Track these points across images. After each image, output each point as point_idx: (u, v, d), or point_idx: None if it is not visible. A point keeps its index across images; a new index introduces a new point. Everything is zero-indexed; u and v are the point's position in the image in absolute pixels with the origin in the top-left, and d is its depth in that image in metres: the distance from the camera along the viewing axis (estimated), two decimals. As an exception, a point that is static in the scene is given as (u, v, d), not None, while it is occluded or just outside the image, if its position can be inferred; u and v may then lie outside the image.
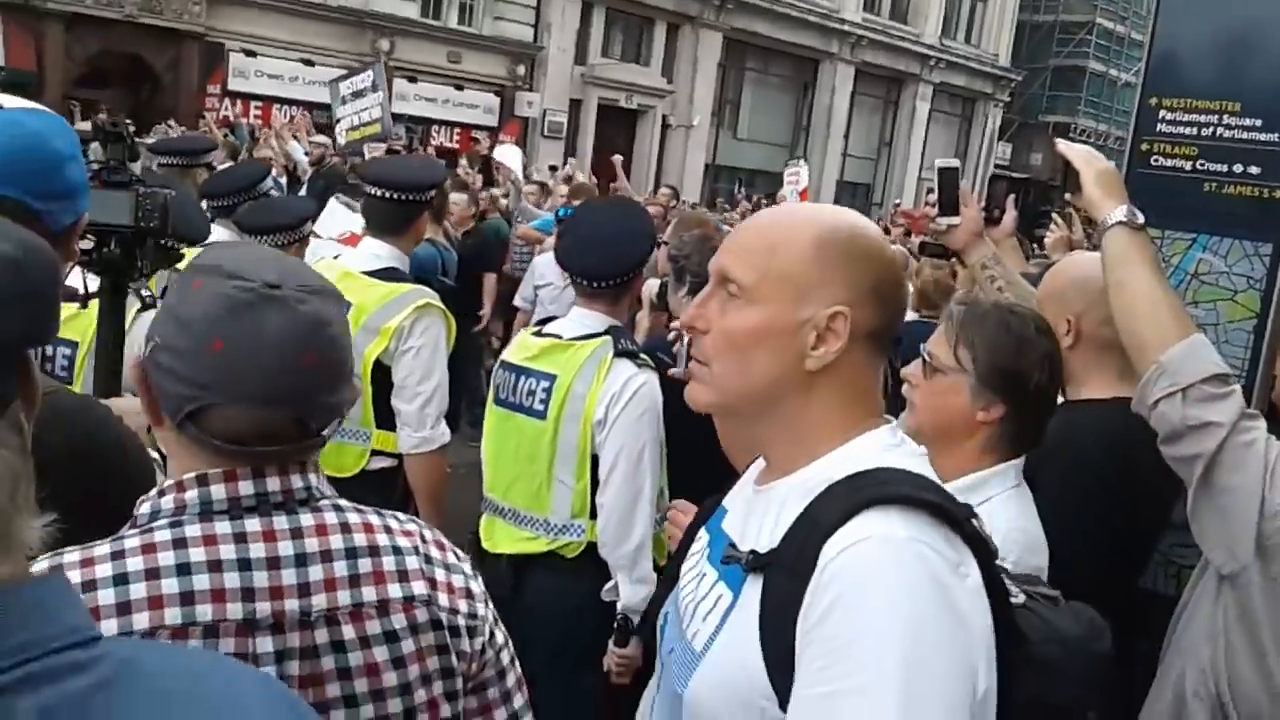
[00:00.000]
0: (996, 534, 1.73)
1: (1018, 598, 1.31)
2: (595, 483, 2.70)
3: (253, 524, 1.14)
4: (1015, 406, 1.87)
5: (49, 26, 17.48)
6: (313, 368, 1.14)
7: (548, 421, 2.71)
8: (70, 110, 13.69)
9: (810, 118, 30.28)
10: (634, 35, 25.87)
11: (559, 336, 2.80)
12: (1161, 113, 2.37)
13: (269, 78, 20.07)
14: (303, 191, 8.16)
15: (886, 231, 10.60)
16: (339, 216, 5.49)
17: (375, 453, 3.08)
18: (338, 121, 10.03)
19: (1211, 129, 2.31)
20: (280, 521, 1.16)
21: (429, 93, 22.33)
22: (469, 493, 3.15)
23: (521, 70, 23.34)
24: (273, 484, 1.16)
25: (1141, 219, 1.96)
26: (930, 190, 2.43)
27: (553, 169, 15.22)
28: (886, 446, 1.25)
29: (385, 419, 3.04)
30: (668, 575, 1.51)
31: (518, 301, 7.07)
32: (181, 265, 1.94)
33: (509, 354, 2.90)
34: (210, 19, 19.00)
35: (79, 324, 2.29)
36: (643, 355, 2.79)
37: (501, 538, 2.84)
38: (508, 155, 9.54)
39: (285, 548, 1.15)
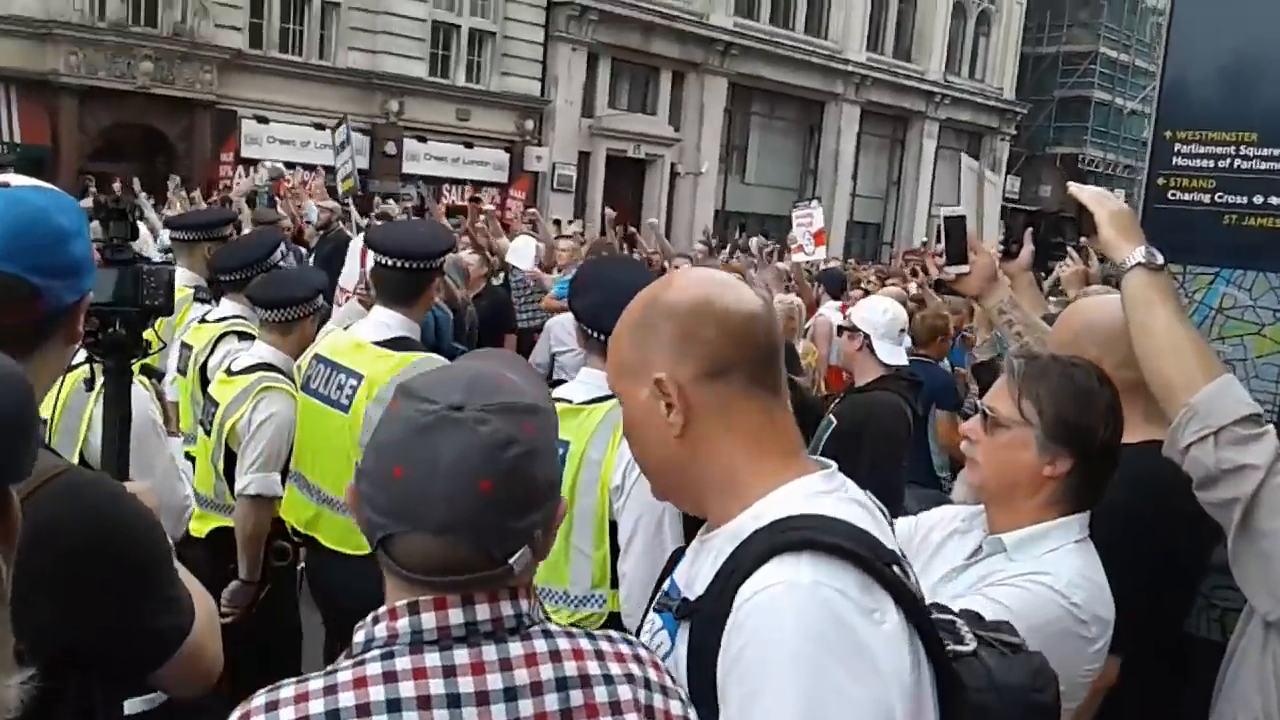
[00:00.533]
0: (1060, 579, 1.75)
1: (967, 645, 1.35)
2: (615, 550, 2.63)
3: (461, 655, 1.11)
4: (1082, 460, 1.84)
5: (63, 101, 17.76)
6: (492, 494, 1.09)
7: (564, 491, 2.64)
8: (85, 185, 13.88)
9: (818, 160, 30.41)
10: (640, 85, 26.10)
11: (569, 400, 2.73)
12: (1177, 146, 2.33)
13: (281, 143, 20.31)
14: (310, 258, 8.19)
15: (889, 277, 10.49)
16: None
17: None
18: (334, 171, 10.26)
19: (1229, 160, 2.27)
20: (489, 652, 1.12)
21: (439, 151, 22.56)
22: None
23: (530, 125, 23.56)
24: (482, 612, 1.12)
25: (1160, 259, 1.91)
26: (937, 239, 2.40)
27: (557, 223, 15.24)
28: (814, 493, 1.27)
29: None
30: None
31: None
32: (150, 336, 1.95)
33: None
34: (222, 87, 19.27)
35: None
36: None
37: (522, 611, 2.75)
38: (519, 253, 9.03)
39: (494, 681, 1.10)
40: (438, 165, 22.57)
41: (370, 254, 3.18)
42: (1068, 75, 36.71)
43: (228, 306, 3.98)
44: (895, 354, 4.34)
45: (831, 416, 4.33)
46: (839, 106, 29.85)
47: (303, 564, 3.54)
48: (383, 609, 1.13)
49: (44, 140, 17.70)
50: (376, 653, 1.10)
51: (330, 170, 11.92)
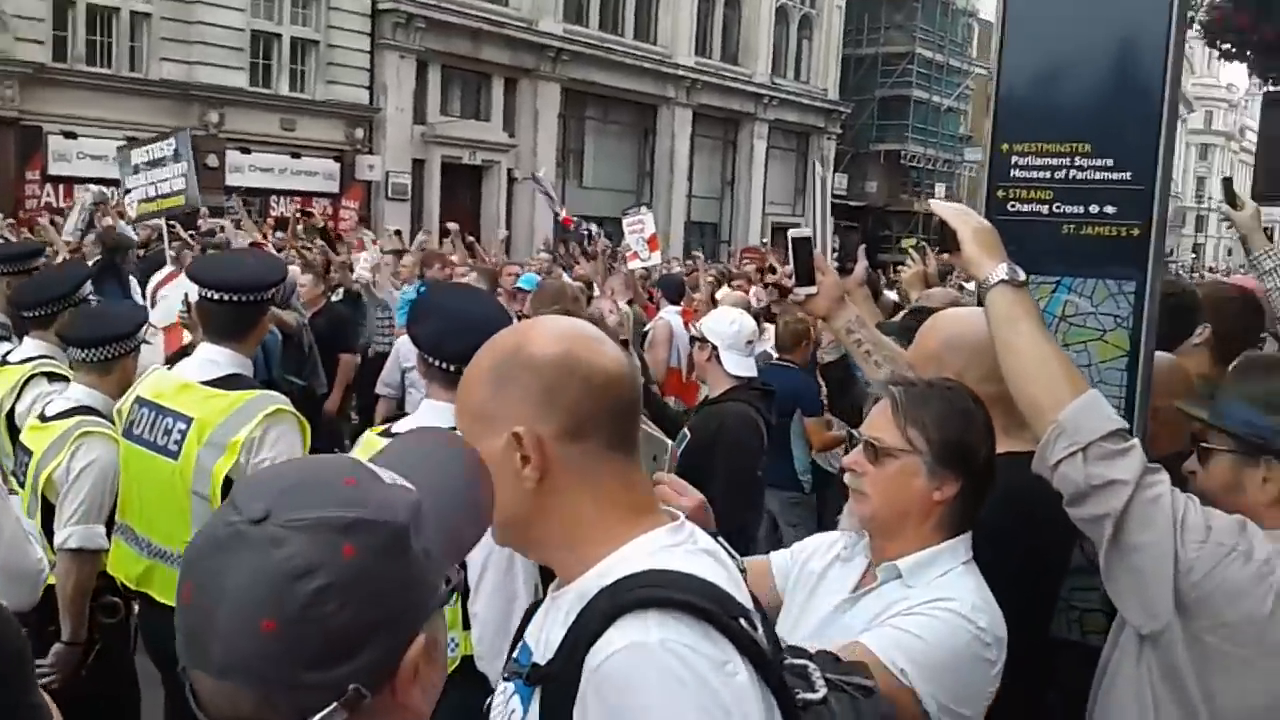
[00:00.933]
0: (965, 604, 1.75)
1: (818, 692, 1.34)
2: (466, 590, 2.52)
3: None
4: (968, 481, 1.86)
5: None
6: (276, 637, 0.85)
7: None
8: None
9: (653, 162, 30.70)
10: (472, 91, 25.78)
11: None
12: (1014, 159, 2.37)
13: (92, 159, 19.09)
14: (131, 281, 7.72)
15: (733, 279, 10.65)
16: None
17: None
18: (127, 192, 9.25)
19: (1065, 170, 2.32)
20: None
21: (264, 163, 21.73)
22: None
23: (360, 133, 22.96)
24: None
25: (1023, 275, 1.93)
26: (785, 261, 2.39)
27: (398, 233, 14.88)
28: (661, 547, 1.26)
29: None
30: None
31: (380, 389, 6.43)
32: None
33: (356, 456, 2.68)
34: (25, 102, 18.07)
35: None
36: None
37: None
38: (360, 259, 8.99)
39: None
40: (263, 176, 21.72)
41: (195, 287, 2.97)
42: (887, 75, 38.15)
43: (31, 346, 3.66)
44: (743, 365, 4.36)
45: (686, 429, 4.33)
46: (671, 110, 30.20)
47: (136, 620, 3.30)
48: None
49: None
50: None
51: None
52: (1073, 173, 2.31)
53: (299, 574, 0.85)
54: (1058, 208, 2.33)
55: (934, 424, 1.84)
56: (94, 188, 11.74)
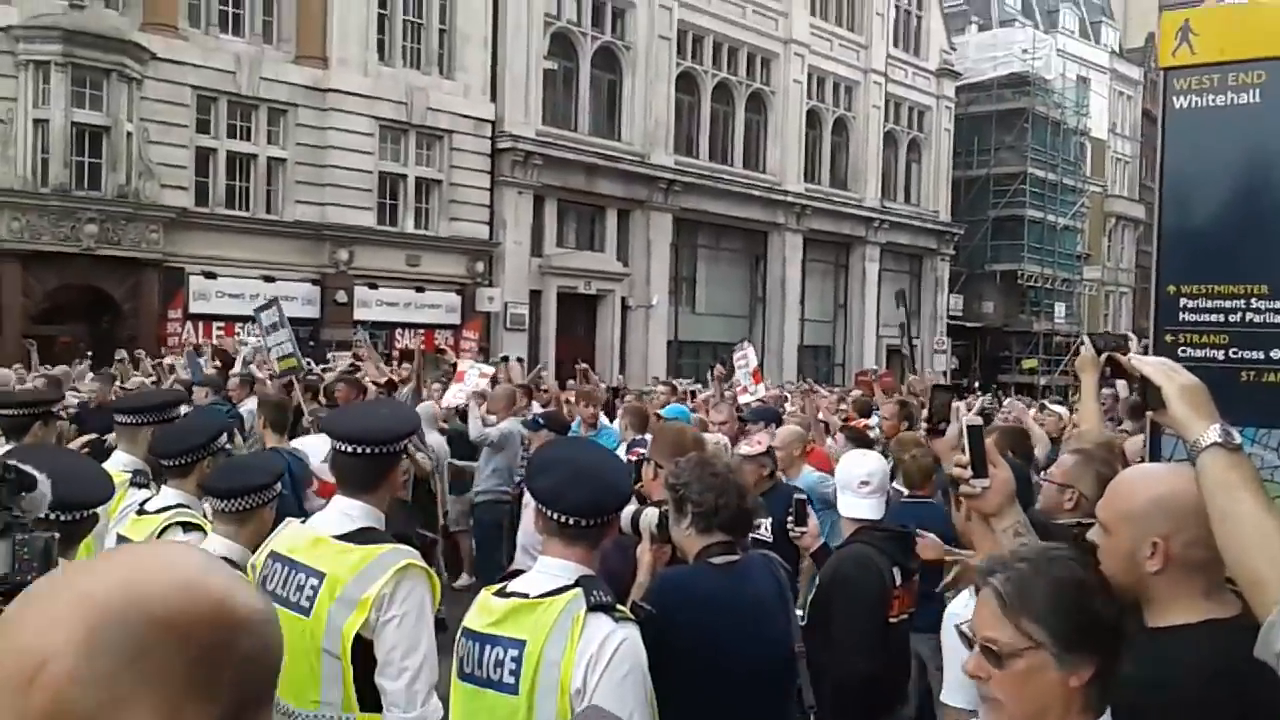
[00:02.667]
0: None
1: None
2: (584, 758, 2.39)
3: None
4: (1103, 657, 1.69)
5: (5, 266, 17.47)
6: None
7: (520, 696, 2.39)
8: (27, 350, 13.55)
9: (765, 287, 30.87)
10: (586, 223, 26.45)
11: (525, 595, 2.52)
12: (1182, 300, 2.23)
13: (230, 297, 20.11)
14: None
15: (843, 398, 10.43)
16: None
17: (361, 739, 2.75)
18: (269, 351, 9.93)
19: (1240, 314, 2.16)
20: None
21: (390, 297, 22.51)
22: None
23: (480, 266, 23.67)
24: None
25: (1238, 438, 1.77)
26: (961, 448, 2.23)
27: (504, 359, 15.05)
28: None
29: (369, 701, 2.72)
30: None
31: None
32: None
33: (469, 620, 2.58)
34: (169, 245, 19.15)
35: None
36: (619, 607, 2.51)
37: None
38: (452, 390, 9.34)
39: None
40: (389, 310, 22.49)
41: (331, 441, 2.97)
42: (999, 196, 37.94)
43: (169, 495, 3.71)
44: (859, 507, 4.20)
45: (815, 577, 4.17)
46: (782, 235, 30.46)
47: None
48: None
49: (-15, 305, 17.37)
50: None
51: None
52: (1249, 315, 2.15)
53: None
54: (1234, 353, 2.17)
55: (1049, 609, 1.66)
56: (251, 340, 12.44)
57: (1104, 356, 3.53)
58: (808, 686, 3.14)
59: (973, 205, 37.72)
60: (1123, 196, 46.80)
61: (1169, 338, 2.24)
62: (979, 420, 2.28)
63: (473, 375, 9.90)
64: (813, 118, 31.63)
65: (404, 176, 22.70)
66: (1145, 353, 2.30)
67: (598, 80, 26.35)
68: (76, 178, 17.97)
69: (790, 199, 30.15)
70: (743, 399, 10.97)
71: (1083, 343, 3.61)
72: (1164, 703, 1.83)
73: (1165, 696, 1.83)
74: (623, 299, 26.46)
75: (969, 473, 2.21)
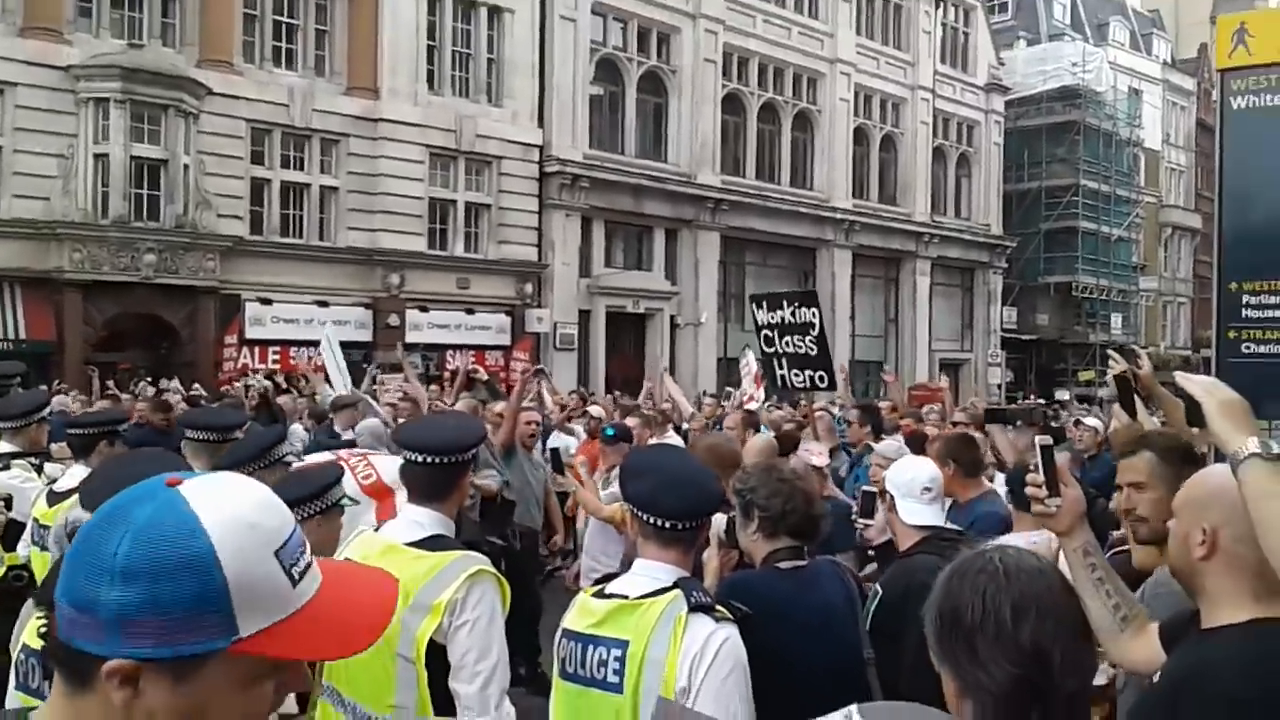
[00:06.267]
0: None
1: None
2: (687, 757, 2.43)
3: None
4: None
5: (67, 296, 17.95)
6: None
7: (625, 695, 2.45)
8: (89, 375, 13.89)
9: (815, 303, 30.73)
10: (634, 243, 26.59)
11: (624, 596, 2.58)
12: (1245, 297, 2.24)
13: (285, 322, 20.51)
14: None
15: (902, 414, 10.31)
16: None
17: (435, 742, 2.81)
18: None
19: (1305, 308, 2.17)
20: None
21: (441, 319, 22.77)
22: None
23: (529, 288, 23.87)
24: None
25: (1276, 449, 1.80)
26: (1034, 468, 2.26)
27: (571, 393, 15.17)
28: None
29: (443, 704, 2.78)
30: None
31: None
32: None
33: (570, 621, 2.67)
34: (225, 273, 19.56)
35: None
36: (719, 608, 2.56)
37: (588, 830, 2.53)
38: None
39: None
40: (440, 333, 22.74)
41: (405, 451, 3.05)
42: (1051, 208, 37.56)
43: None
44: (921, 514, 4.17)
45: (878, 586, 4.14)
46: (830, 251, 30.37)
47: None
48: None
49: (49, 335, 17.82)
50: None
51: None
52: (1315, 310, 2.16)
53: None
54: (1300, 348, 2.18)
55: None
56: (372, 369, 13.07)
57: (1116, 379, 3.55)
58: (879, 696, 3.15)
59: (1024, 218, 37.37)
60: (1178, 206, 46.09)
61: (1231, 334, 2.26)
62: (1049, 440, 2.31)
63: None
64: (860, 135, 31.57)
65: (453, 202, 23.00)
66: (1186, 364, 2.31)
67: (644, 104, 26.54)
68: (135, 209, 18.43)
69: (839, 215, 30.08)
70: (749, 407, 10.81)
71: (1111, 358, 3.61)
72: (1203, 698, 1.85)
73: (1205, 692, 1.85)
74: (671, 317, 26.54)
75: (1044, 492, 2.24)
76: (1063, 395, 26.02)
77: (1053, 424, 11.51)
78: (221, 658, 1.09)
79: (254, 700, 1.15)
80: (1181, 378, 2.01)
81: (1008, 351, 36.21)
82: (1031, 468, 2.27)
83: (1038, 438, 2.34)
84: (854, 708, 0.83)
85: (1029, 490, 2.28)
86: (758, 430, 7.90)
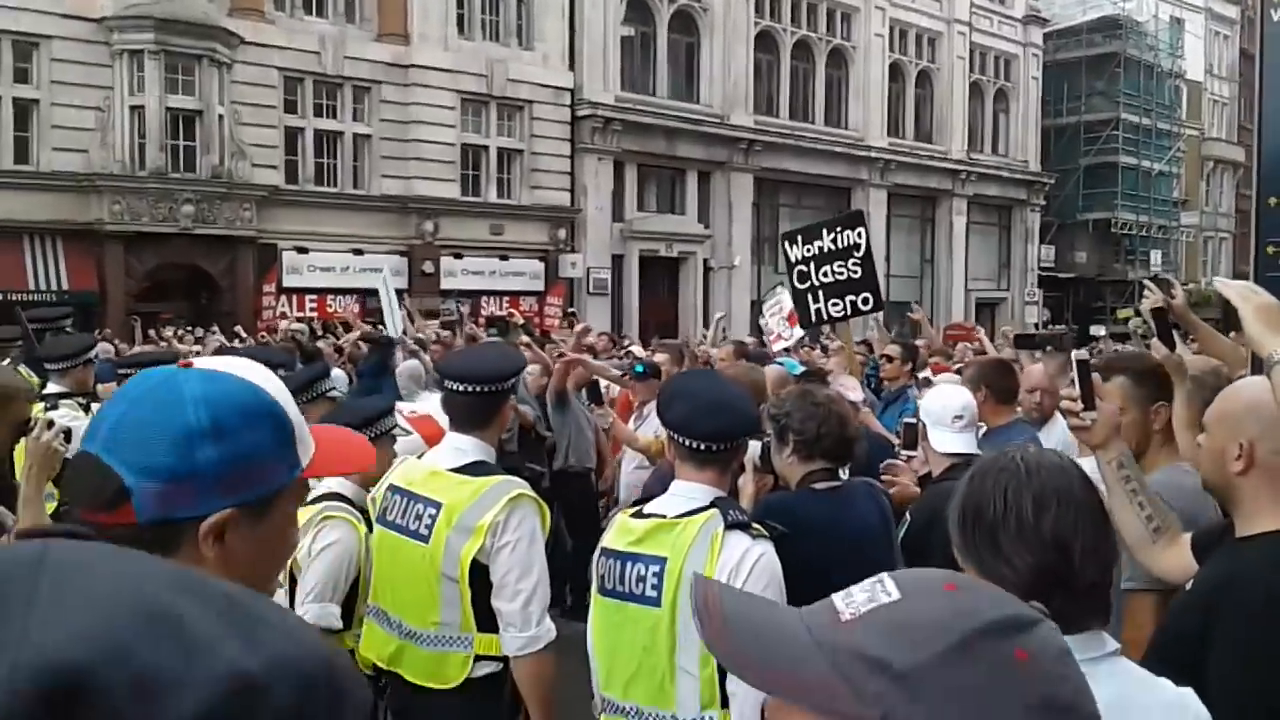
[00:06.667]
0: None
1: None
2: (723, 670, 2.50)
3: None
4: None
5: (108, 247, 18.23)
6: None
7: (663, 608, 2.53)
8: (131, 325, 14.13)
9: (850, 244, 30.47)
10: (667, 187, 26.47)
11: (662, 515, 2.65)
12: (1282, 211, 2.23)
13: (321, 271, 20.71)
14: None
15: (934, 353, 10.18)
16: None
17: (479, 658, 2.91)
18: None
19: (1342, 222, 2.16)
20: None
21: (475, 266, 22.87)
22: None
23: (562, 233, 23.88)
24: None
25: None
26: (1070, 383, 2.29)
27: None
28: None
29: (486, 621, 2.87)
30: None
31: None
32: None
33: (609, 540, 2.75)
34: (262, 222, 19.73)
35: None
36: (755, 525, 2.63)
37: (627, 740, 2.63)
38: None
39: None
40: (475, 279, 22.86)
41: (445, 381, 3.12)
42: (1091, 143, 36.86)
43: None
44: (952, 441, 4.19)
45: (907, 513, 4.19)
46: (865, 191, 30.05)
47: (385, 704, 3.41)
48: None
49: (91, 286, 18.11)
50: None
51: (372, 294, 12.65)
52: (1352, 223, 2.15)
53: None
54: (1335, 259, 2.17)
55: None
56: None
57: (1151, 309, 3.53)
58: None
59: (1063, 154, 36.73)
60: (1221, 139, 45.08)
61: (1271, 249, 2.25)
62: (1086, 355, 2.34)
63: None
64: (895, 71, 31.07)
65: (486, 148, 22.97)
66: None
67: (675, 44, 26.24)
68: (172, 161, 18.59)
69: (874, 154, 29.72)
70: (777, 346, 10.59)
71: (1147, 288, 3.59)
72: (1240, 599, 1.88)
73: (1242, 593, 1.88)
74: (705, 261, 26.47)
75: (1079, 405, 2.27)
76: (1098, 331, 25.67)
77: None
78: (286, 491, 1.25)
79: (294, 527, 1.33)
80: (1220, 282, 2.03)
81: (1045, 290, 35.81)
82: (1068, 383, 2.30)
83: (1074, 353, 2.37)
84: (885, 575, 0.86)
85: (1064, 405, 2.31)
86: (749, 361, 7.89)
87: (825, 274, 6.99)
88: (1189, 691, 1.50)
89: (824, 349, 11.65)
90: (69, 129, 17.97)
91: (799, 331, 10.76)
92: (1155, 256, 38.69)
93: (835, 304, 7.05)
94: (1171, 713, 1.47)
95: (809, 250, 7.14)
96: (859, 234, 7.00)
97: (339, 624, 3.20)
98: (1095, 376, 2.35)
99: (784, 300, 11.49)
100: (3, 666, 0.46)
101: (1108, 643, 1.51)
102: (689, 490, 2.65)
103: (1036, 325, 30.61)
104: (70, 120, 17.97)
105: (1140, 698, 1.47)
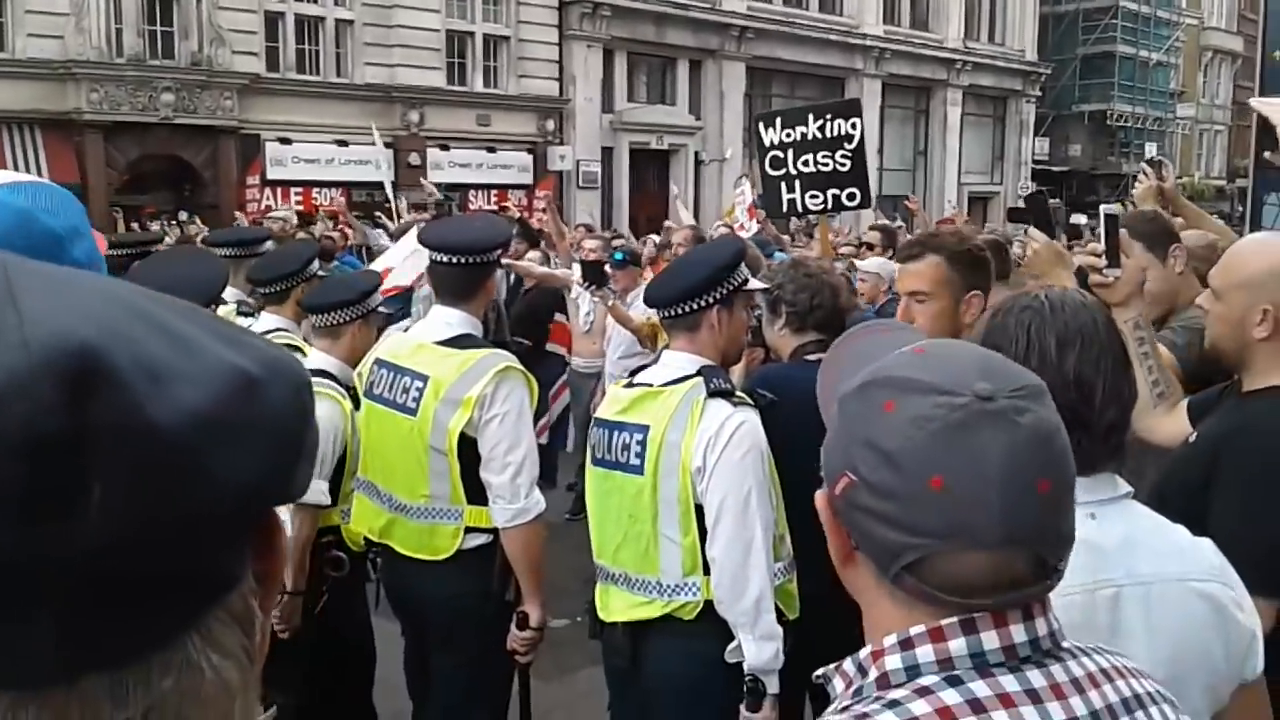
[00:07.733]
0: None
1: None
2: (705, 536, 2.52)
3: (1036, 678, 0.97)
4: None
5: (88, 137, 17.85)
6: (1049, 494, 0.95)
7: (646, 476, 2.54)
8: (114, 217, 13.95)
9: (842, 136, 30.07)
10: (657, 77, 25.96)
11: (649, 384, 2.64)
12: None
13: (305, 162, 20.35)
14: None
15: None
16: None
17: (469, 530, 2.92)
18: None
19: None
20: (1058, 672, 0.98)
21: (462, 158, 22.51)
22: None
23: (551, 125, 23.47)
24: (1041, 627, 0.98)
25: None
26: (1096, 237, 2.21)
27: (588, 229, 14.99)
28: None
29: (476, 494, 2.87)
30: None
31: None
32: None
33: (601, 410, 2.76)
34: (244, 112, 19.32)
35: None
36: (739, 394, 2.62)
37: (616, 605, 2.66)
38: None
39: (1078, 705, 0.97)
40: (462, 172, 22.48)
41: (427, 252, 3.07)
42: (1089, 32, 36.19)
43: (268, 320, 3.88)
44: None
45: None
46: (859, 81, 29.49)
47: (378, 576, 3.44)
48: (916, 629, 0.97)
49: (73, 177, 17.75)
50: (937, 678, 0.96)
51: (358, 187, 12.45)
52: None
53: (1050, 434, 0.97)
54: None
55: None
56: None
57: (1154, 187, 3.45)
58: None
59: (1060, 43, 36.07)
60: (1219, 29, 44.24)
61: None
62: (1115, 209, 2.27)
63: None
64: (891, -45, 30.26)
65: (471, 34, 22.40)
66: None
67: (665, -76, 25.46)
68: (150, 47, 18.13)
69: (869, 43, 29.11)
70: (740, 234, 10.40)
71: (1143, 171, 3.52)
72: (1246, 446, 1.88)
73: (1249, 441, 1.88)
74: (696, 153, 26.12)
75: (1103, 261, 2.21)
76: (1078, 219, 25.55)
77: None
78: None
79: None
80: (1256, 101, 1.98)
81: (1038, 184, 35.51)
82: (1095, 238, 2.25)
83: (1103, 206, 2.30)
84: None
85: (1088, 259, 2.26)
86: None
87: (806, 163, 6.68)
88: (1207, 542, 1.50)
89: (792, 238, 11.49)
90: (43, 14, 17.42)
91: (755, 225, 10.51)
92: (1150, 149, 38.26)
93: (814, 196, 6.72)
94: (1185, 558, 1.46)
95: (788, 135, 6.84)
96: (853, 125, 6.70)
97: (326, 500, 3.20)
98: (1122, 233, 2.30)
99: (747, 192, 11.26)
100: (12, 348, 0.42)
101: (1120, 485, 1.50)
102: (677, 359, 2.65)
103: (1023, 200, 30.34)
104: (45, 4, 17.41)
105: (1151, 541, 1.46)
